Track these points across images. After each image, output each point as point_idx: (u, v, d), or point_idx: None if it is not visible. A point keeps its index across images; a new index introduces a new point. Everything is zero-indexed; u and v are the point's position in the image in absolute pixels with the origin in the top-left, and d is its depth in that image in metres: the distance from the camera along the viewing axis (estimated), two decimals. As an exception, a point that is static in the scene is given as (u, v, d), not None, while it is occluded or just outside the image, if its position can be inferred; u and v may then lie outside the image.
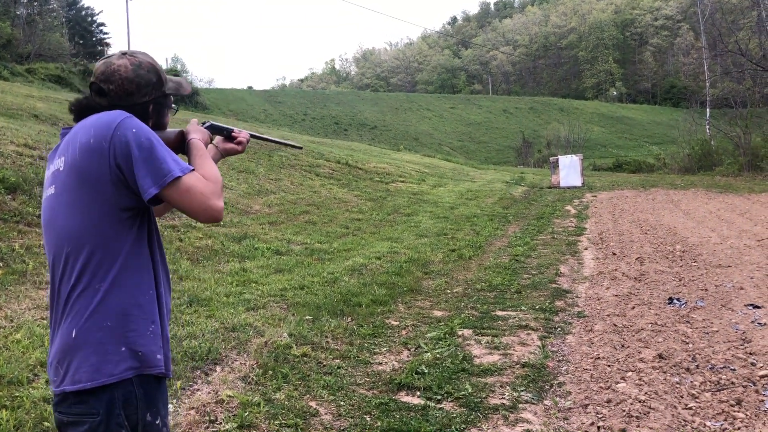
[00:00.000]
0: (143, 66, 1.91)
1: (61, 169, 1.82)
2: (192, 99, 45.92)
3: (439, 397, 4.18)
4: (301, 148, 2.97)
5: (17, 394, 3.75)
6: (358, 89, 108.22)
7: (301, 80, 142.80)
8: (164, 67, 59.78)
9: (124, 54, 1.94)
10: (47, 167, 1.94)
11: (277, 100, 65.38)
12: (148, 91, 1.92)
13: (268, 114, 56.43)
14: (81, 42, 58.27)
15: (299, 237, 10.54)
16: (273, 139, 2.70)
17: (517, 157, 51.97)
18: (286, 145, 2.78)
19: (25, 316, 5.21)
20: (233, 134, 2.28)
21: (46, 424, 3.42)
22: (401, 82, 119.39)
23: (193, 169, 1.85)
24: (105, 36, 63.13)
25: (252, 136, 2.38)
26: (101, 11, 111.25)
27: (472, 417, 3.87)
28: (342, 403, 4.13)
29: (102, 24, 63.92)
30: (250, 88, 76.57)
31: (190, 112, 36.19)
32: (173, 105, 2.09)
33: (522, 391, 4.29)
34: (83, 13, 60.86)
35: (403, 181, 20.96)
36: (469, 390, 4.27)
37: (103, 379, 1.74)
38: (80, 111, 1.89)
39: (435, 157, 37.59)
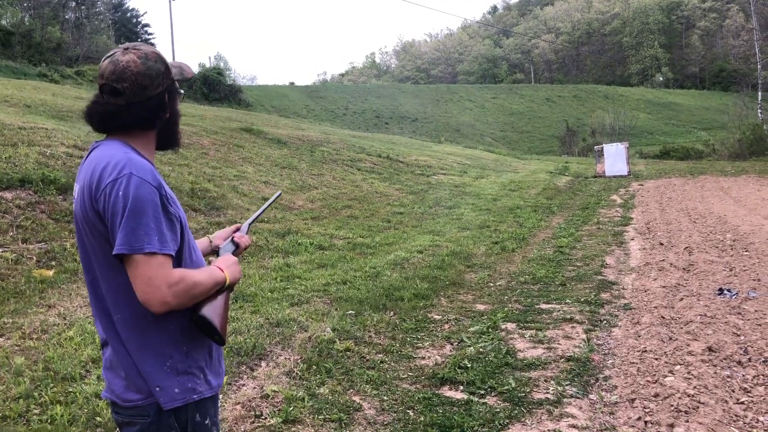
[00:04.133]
0: (150, 57, 1.89)
1: (75, 196, 1.88)
2: (235, 96, 46.46)
3: (482, 392, 4.16)
4: (281, 193, 2.96)
5: (71, 390, 3.88)
6: (398, 82, 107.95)
7: (342, 75, 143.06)
8: (207, 65, 60.72)
9: (127, 49, 1.90)
10: (77, 179, 1.95)
11: (318, 95, 65.69)
12: (160, 81, 1.90)
13: (309, 109, 56.78)
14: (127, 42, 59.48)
15: (341, 232, 10.60)
16: (261, 209, 2.67)
17: (561, 146, 51.12)
18: (271, 203, 2.72)
19: (77, 314, 5.38)
20: (235, 240, 2.30)
21: (98, 419, 3.52)
22: (442, 74, 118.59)
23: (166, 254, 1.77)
24: (149, 36, 64.47)
25: (248, 227, 2.42)
26: (145, 12, 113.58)
27: (516, 412, 3.84)
28: (385, 397, 4.15)
29: (147, 25, 65.44)
30: (291, 84, 77.00)
31: (233, 110, 36.66)
32: (180, 90, 2.05)
33: (567, 385, 4.24)
34: (128, 14, 62.17)
35: (444, 174, 20.89)
36: (513, 384, 4.24)
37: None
38: (96, 118, 1.89)
39: (477, 149, 37.34)
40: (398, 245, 9.65)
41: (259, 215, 2.54)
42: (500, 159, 31.17)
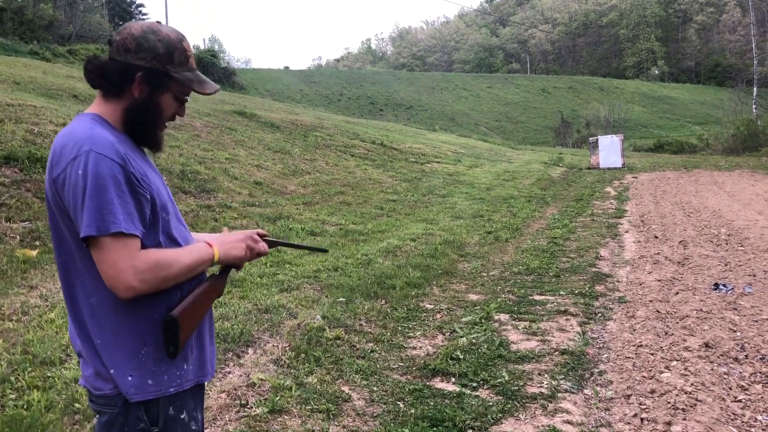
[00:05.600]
0: (158, 34, 1.75)
1: (45, 178, 1.75)
2: (229, 79, 46.06)
3: (474, 385, 4.06)
4: (326, 251, 2.68)
5: (49, 375, 3.74)
6: (394, 69, 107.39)
7: (337, 60, 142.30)
8: (201, 47, 60.10)
9: (158, 23, 1.82)
10: None
11: (312, 80, 65.27)
12: (146, 57, 1.73)
13: (304, 94, 56.39)
14: (120, 23, 58.80)
15: (334, 218, 10.47)
16: (297, 244, 2.50)
17: (556, 137, 51.06)
18: (311, 249, 2.54)
19: (59, 296, 5.22)
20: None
21: (77, 405, 3.39)
22: (438, 62, 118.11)
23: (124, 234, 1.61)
24: (143, 17, 63.73)
25: (272, 243, 2.11)
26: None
27: (509, 406, 3.74)
28: (375, 388, 4.04)
29: (141, 5, 64.45)
30: (286, 68, 76.53)
31: (227, 92, 36.36)
32: (186, 97, 1.85)
33: (561, 379, 4.14)
34: (122, -7, 61.42)
35: (438, 162, 20.75)
36: (506, 377, 4.14)
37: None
38: (87, 70, 1.78)
39: (471, 138, 37.19)
40: (391, 233, 9.53)
41: (287, 244, 2.31)
42: (494, 148, 31.05)
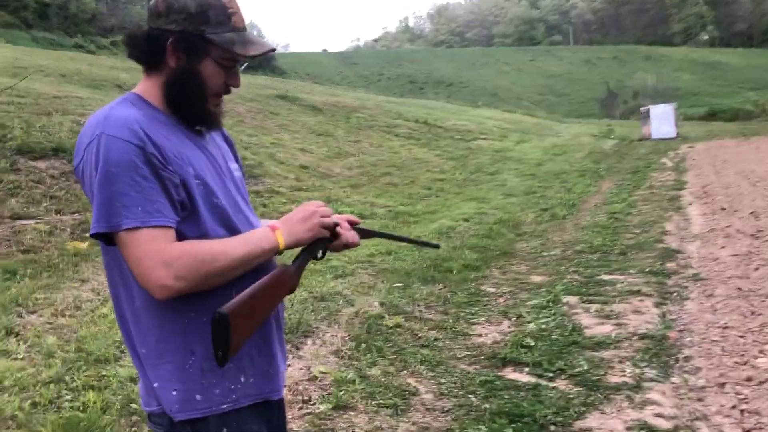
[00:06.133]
0: None
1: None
2: (269, 64, 46.10)
3: (550, 375, 3.76)
4: (438, 246, 2.30)
5: (104, 374, 3.59)
6: (433, 46, 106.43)
7: (375, 40, 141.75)
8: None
9: None
10: None
11: (352, 61, 65.12)
12: (177, 20, 1.44)
13: (343, 76, 56.25)
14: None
15: (382, 199, 10.24)
16: (400, 236, 2.13)
17: (602, 109, 49.81)
18: (418, 243, 2.21)
19: (112, 289, 5.12)
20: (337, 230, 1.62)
21: (133, 406, 3.23)
22: (477, 37, 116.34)
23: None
24: (183, 6, 64.20)
25: (365, 233, 1.77)
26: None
27: (592, 398, 3.43)
28: (443, 380, 3.79)
29: (179, -6, 65.03)
30: (324, 50, 76.46)
31: (267, 77, 36.34)
32: (232, 63, 1.51)
33: (645, 366, 3.81)
34: (161, -17, 62.00)
35: (484, 138, 20.31)
36: (585, 366, 3.83)
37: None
38: (124, 43, 1.55)
39: (516, 112, 36.43)
40: (442, 213, 9.27)
41: (386, 235, 1.99)
42: (540, 123, 30.32)
